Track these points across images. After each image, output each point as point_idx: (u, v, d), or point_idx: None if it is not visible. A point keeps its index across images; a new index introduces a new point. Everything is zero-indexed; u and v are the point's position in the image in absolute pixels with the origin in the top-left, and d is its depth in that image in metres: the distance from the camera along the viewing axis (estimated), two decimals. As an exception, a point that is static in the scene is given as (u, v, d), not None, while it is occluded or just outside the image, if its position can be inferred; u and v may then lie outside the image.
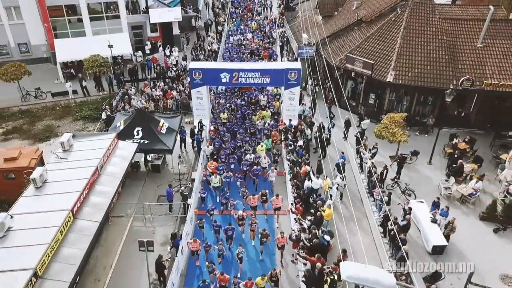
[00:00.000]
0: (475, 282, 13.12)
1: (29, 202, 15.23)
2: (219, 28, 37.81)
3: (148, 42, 33.81)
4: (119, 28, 32.87)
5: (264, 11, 43.62)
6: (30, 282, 11.98)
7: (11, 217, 14.23)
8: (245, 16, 40.10)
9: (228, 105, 25.11)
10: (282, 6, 43.17)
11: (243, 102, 25.57)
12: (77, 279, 13.83)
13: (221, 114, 24.17)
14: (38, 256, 12.64)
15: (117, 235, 17.65)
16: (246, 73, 22.59)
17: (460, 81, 22.50)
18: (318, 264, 14.16)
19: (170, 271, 14.97)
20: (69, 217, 14.53)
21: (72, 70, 30.13)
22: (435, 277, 14.60)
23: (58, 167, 17.17)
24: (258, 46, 32.25)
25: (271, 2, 46.00)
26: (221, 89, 27.69)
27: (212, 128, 23.37)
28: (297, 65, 23.10)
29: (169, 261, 15.69)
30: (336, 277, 13.54)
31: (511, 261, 15.97)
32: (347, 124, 23.24)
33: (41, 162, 19.26)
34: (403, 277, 14.02)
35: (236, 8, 43.04)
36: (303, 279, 14.45)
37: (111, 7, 32.50)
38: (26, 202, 15.24)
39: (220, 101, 26.04)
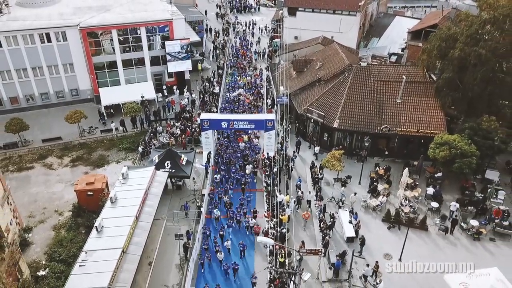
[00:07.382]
0: (358, 255, 24.07)
1: (109, 211, 26.18)
2: (220, 71, 48.61)
3: (165, 86, 44.75)
4: (144, 76, 43.89)
5: (258, 58, 53.98)
6: (121, 255, 23.00)
7: (102, 220, 25.24)
8: (240, 65, 50.34)
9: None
10: (270, 48, 54.28)
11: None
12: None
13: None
14: (123, 241, 23.65)
15: (157, 230, 28.51)
16: (239, 121, 33.52)
17: (381, 128, 33.42)
18: (277, 247, 25.20)
19: (191, 251, 26.01)
20: (135, 220, 25.50)
21: (111, 110, 41.04)
22: (343, 254, 25.67)
23: (121, 189, 28.09)
24: (250, 105, 41.77)
25: (264, 49, 55.45)
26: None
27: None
28: (272, 116, 34.06)
29: (191, 246, 26.67)
30: (285, 256, 24.68)
31: (392, 245, 26.96)
32: (298, 143, 35.00)
33: (106, 185, 30.30)
34: (322, 254, 25.03)
35: (234, 56, 53.06)
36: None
37: (139, 60, 43.51)
38: (108, 211, 26.19)
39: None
